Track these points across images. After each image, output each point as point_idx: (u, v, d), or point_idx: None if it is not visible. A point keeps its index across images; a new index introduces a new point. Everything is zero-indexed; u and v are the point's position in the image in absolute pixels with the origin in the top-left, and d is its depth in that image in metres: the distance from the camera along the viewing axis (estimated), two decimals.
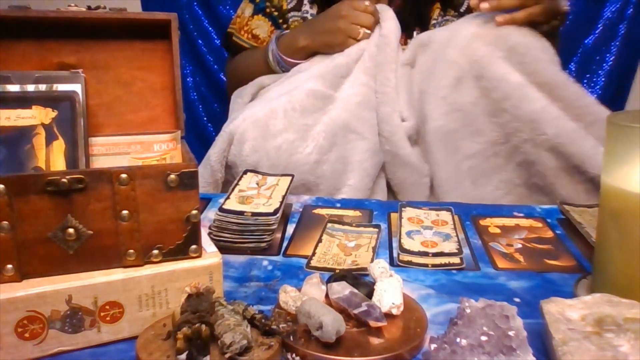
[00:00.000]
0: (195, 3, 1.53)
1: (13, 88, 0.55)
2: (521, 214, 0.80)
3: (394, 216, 0.79)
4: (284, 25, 1.15)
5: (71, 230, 0.47)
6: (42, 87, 0.56)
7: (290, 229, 0.75)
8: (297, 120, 0.89)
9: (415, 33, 1.05)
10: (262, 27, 1.16)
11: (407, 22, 1.04)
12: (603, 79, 1.39)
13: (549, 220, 0.78)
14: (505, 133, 0.86)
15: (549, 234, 0.74)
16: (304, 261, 0.65)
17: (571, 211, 0.78)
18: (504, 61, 0.83)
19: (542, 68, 0.83)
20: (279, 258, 0.67)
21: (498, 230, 0.75)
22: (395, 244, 0.69)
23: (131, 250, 0.49)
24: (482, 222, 0.77)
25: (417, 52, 0.96)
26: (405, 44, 1.04)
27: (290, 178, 0.82)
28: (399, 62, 0.96)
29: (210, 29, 1.54)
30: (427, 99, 0.90)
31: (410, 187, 0.93)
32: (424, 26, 1.07)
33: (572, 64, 1.40)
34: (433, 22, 1.08)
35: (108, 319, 0.48)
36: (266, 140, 0.88)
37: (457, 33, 0.88)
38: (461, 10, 1.08)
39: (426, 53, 0.93)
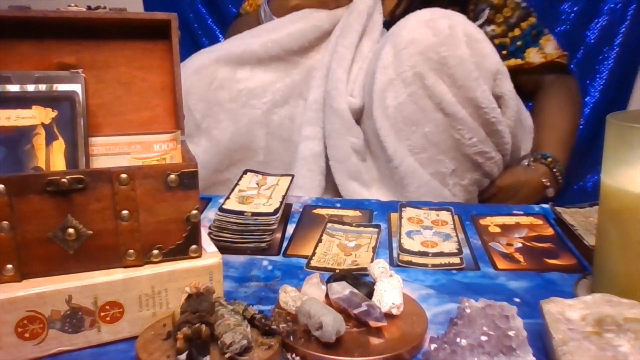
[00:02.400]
0: (199, 1, 1.53)
1: (13, 88, 0.55)
2: (520, 212, 0.80)
3: (393, 216, 0.79)
4: None
5: (71, 230, 0.47)
6: (42, 87, 0.56)
7: (290, 229, 0.75)
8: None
9: None
10: None
11: None
12: (605, 79, 1.39)
13: (548, 217, 0.78)
14: (425, 139, 0.86)
15: (549, 231, 0.74)
16: (304, 261, 0.65)
17: (563, 213, 0.78)
18: (434, 73, 0.82)
19: (470, 85, 0.83)
20: (279, 258, 0.67)
21: (498, 230, 0.75)
22: (395, 244, 0.69)
23: (131, 250, 0.49)
24: (482, 222, 0.77)
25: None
26: None
27: (290, 178, 0.82)
28: (371, 34, 0.96)
29: (214, 27, 1.54)
30: (368, 93, 0.90)
31: (337, 142, 0.91)
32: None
33: (573, 64, 1.39)
34: None
35: (108, 319, 0.48)
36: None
37: (398, 31, 0.86)
38: (479, 22, 1.06)
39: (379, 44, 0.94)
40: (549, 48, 1.08)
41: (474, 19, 1.06)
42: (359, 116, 0.93)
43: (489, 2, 1.07)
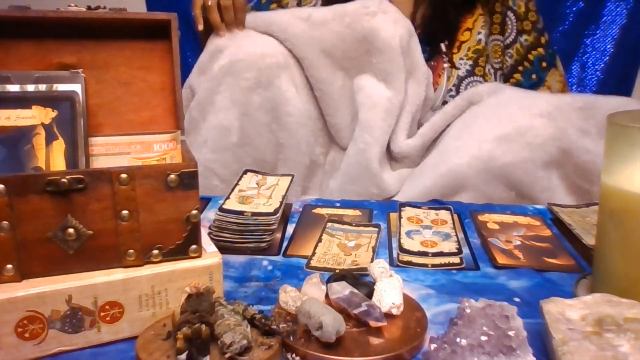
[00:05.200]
0: None
1: (13, 88, 0.55)
2: (517, 212, 0.80)
3: (393, 216, 0.79)
4: None
5: (71, 230, 0.47)
6: (42, 87, 0.56)
7: (290, 229, 0.75)
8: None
9: (443, 46, 1.02)
10: None
11: (434, 33, 1.01)
12: (604, 79, 1.39)
13: (545, 219, 0.78)
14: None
15: (547, 232, 0.74)
16: (304, 261, 0.65)
17: (560, 212, 0.78)
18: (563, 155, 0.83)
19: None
20: (279, 258, 0.67)
21: (497, 227, 0.75)
22: (394, 244, 0.69)
23: (131, 250, 0.49)
24: (481, 218, 0.77)
25: (470, 100, 0.94)
26: (430, 59, 1.00)
27: (290, 178, 0.82)
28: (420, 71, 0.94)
29: None
30: (455, 146, 0.88)
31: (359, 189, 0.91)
32: (451, 39, 1.03)
33: (573, 64, 1.40)
34: (478, 35, 1.03)
35: (108, 319, 0.48)
36: None
37: (500, 116, 0.86)
38: (507, 42, 1.06)
39: (474, 110, 0.91)
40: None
41: (501, 25, 1.06)
42: (417, 154, 0.93)
43: (512, 10, 1.06)
